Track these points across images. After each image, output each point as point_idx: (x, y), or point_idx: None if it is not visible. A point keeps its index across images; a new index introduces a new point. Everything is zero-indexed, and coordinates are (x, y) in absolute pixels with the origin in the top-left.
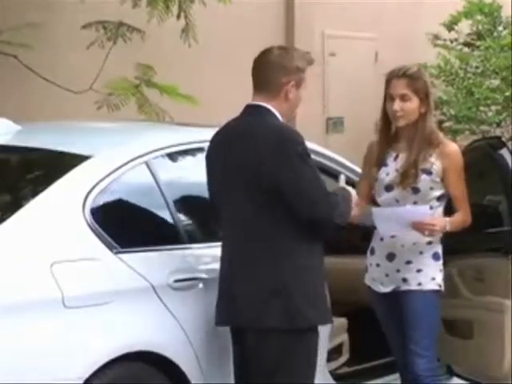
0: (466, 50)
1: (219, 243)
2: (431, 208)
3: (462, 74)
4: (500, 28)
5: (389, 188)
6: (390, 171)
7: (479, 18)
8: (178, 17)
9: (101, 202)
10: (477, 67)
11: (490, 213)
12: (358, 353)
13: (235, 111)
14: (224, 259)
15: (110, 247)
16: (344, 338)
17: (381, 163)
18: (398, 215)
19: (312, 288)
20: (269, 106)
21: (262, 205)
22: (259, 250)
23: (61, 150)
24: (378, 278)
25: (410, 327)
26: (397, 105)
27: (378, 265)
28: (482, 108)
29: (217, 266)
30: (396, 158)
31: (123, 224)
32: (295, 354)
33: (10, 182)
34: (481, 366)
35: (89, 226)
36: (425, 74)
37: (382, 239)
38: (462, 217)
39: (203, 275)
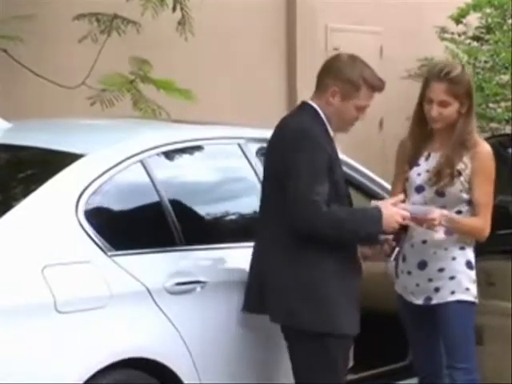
0: (474, 44)
1: (218, 245)
2: (460, 213)
3: (471, 69)
4: (510, 21)
5: (419, 189)
6: (421, 171)
7: (488, 10)
8: (174, 9)
9: (94, 202)
10: (486, 62)
11: (501, 213)
12: (363, 359)
13: (234, 107)
14: (254, 250)
15: (104, 250)
16: None
17: (413, 163)
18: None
19: (313, 290)
20: (314, 104)
21: (276, 202)
22: (269, 246)
23: (52, 148)
24: (409, 287)
25: (445, 340)
26: (435, 110)
27: (409, 272)
28: (491, 105)
29: (216, 268)
30: (428, 157)
31: (118, 225)
32: (298, 355)
33: (0, 181)
34: (492, 374)
35: (82, 227)
36: (468, 74)
37: (412, 245)
38: (475, 223)
39: (202, 278)
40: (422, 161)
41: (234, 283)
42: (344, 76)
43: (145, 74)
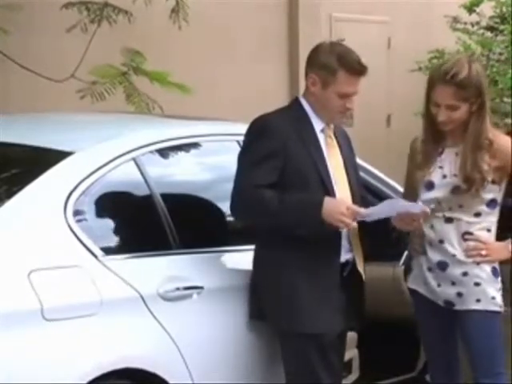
0: (488, 34)
1: (215, 248)
2: (479, 215)
3: (485, 62)
4: None
5: (429, 187)
6: (433, 169)
7: None
8: None
9: (84, 203)
10: (500, 54)
11: None
12: (369, 370)
13: (233, 102)
14: None
15: (95, 253)
16: (354, 353)
17: (427, 161)
18: (391, 206)
19: (278, 290)
20: (301, 98)
21: None
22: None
23: (39, 145)
24: (430, 284)
25: (469, 352)
26: (443, 115)
27: (429, 269)
28: (505, 99)
29: (214, 273)
30: (441, 153)
31: (109, 227)
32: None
33: None
34: None
35: (71, 229)
36: (477, 70)
37: (430, 243)
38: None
39: (198, 283)
40: (434, 158)
41: (234, 288)
42: (320, 61)
43: (138, 66)
